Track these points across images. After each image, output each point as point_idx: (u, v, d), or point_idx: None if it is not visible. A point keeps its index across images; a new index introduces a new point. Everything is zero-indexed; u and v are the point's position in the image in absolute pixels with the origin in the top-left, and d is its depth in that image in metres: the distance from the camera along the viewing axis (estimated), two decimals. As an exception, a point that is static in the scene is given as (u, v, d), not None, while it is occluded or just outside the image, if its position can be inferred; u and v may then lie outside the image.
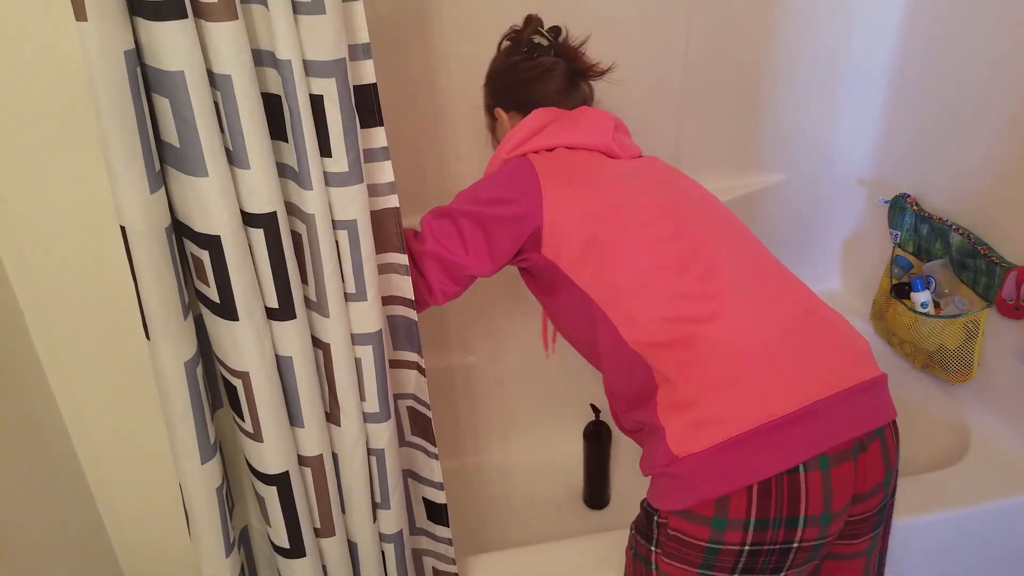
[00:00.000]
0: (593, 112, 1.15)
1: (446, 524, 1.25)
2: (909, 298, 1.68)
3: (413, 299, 1.08)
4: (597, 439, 1.71)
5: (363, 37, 0.91)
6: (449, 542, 1.26)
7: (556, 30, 1.22)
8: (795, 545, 0.93)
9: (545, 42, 1.19)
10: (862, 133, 1.83)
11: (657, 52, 1.66)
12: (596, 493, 1.78)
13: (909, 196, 1.71)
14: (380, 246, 1.02)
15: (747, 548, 0.93)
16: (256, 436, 1.00)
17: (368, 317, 1.02)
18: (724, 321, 0.96)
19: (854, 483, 0.94)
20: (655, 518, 1.00)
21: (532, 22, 1.22)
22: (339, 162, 0.92)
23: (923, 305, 1.64)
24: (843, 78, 1.78)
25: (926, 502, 1.40)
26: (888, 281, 1.76)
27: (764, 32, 1.70)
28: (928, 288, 1.65)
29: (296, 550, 1.09)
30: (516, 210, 1.03)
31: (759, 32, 1.69)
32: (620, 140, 1.16)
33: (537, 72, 1.18)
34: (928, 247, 1.68)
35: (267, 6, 0.82)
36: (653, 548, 1.01)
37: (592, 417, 1.73)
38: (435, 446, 1.20)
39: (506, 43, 1.25)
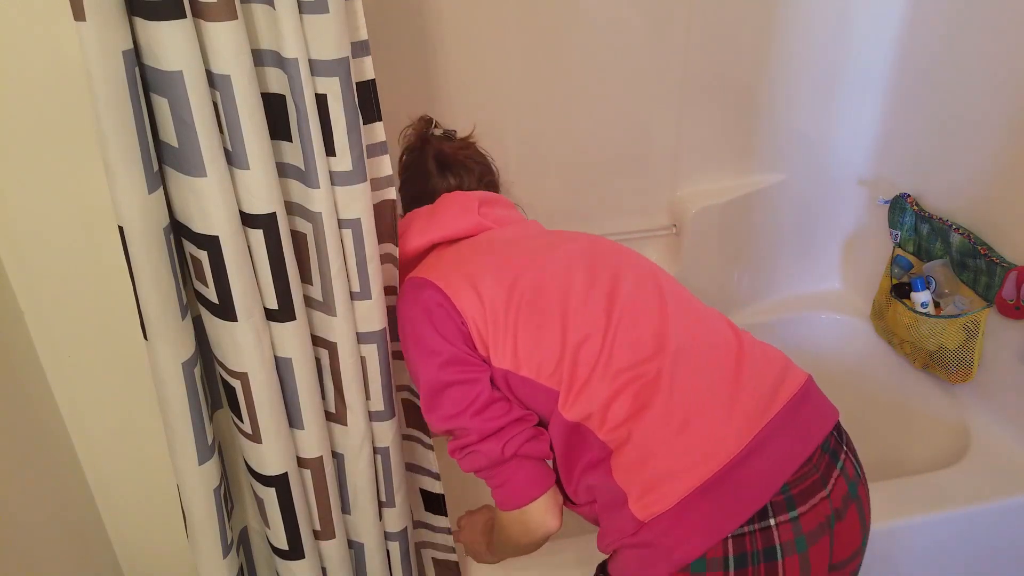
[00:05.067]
0: (451, 197, 1.12)
1: (444, 513, 1.26)
2: (909, 298, 1.68)
3: None
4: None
5: (362, 34, 0.92)
6: (448, 531, 1.27)
7: (423, 122, 1.22)
8: None
9: (414, 138, 1.21)
10: (862, 133, 1.83)
11: (657, 52, 1.66)
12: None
13: (909, 196, 1.71)
14: (378, 237, 1.02)
15: None
16: (255, 437, 1.00)
17: (373, 315, 1.02)
18: (666, 367, 0.92)
19: (829, 557, 0.90)
20: None
21: (416, 123, 1.22)
22: (343, 161, 0.92)
23: (923, 305, 1.64)
24: (843, 78, 1.78)
25: (926, 502, 1.39)
26: (888, 281, 1.76)
27: (764, 32, 1.70)
28: (928, 288, 1.64)
29: (295, 551, 1.09)
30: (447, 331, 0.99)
31: (759, 32, 1.69)
32: (487, 215, 1.11)
33: (406, 169, 1.20)
34: (928, 247, 1.68)
35: (273, 5, 0.82)
36: None
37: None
38: (431, 436, 1.20)
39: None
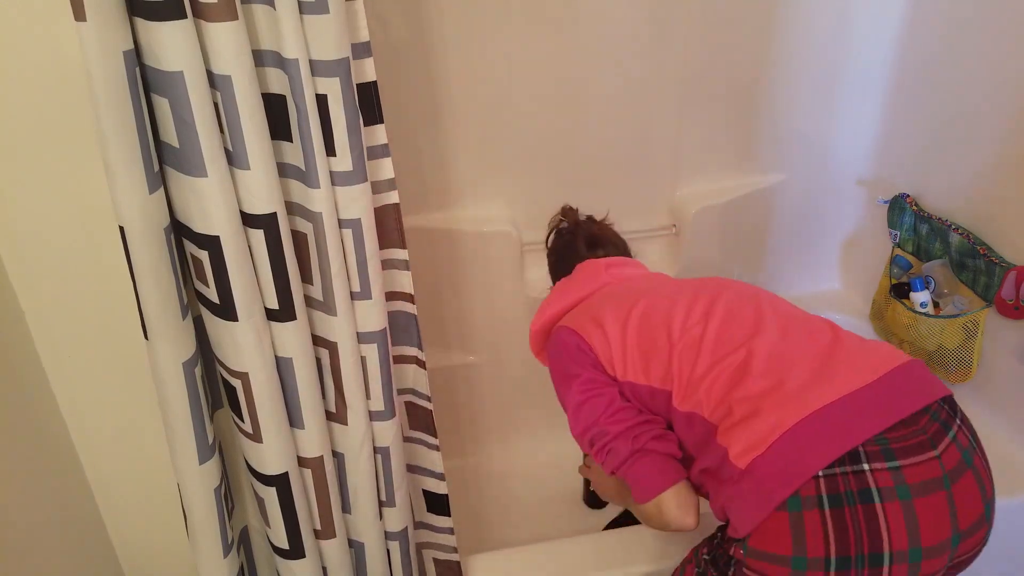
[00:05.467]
0: (583, 265, 1.38)
1: (447, 514, 1.26)
2: (908, 298, 1.68)
3: (412, 294, 1.09)
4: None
5: (363, 36, 0.92)
6: (451, 531, 1.27)
7: (572, 212, 1.50)
8: None
9: (565, 224, 1.49)
10: (862, 133, 1.83)
11: (657, 52, 1.67)
12: (596, 493, 1.78)
13: (909, 196, 1.71)
14: (381, 242, 1.02)
15: None
16: (255, 437, 1.00)
17: (373, 315, 1.02)
18: (755, 347, 1.04)
19: (950, 517, 0.92)
20: (732, 552, 0.98)
21: (564, 213, 1.51)
22: (343, 161, 0.92)
23: (922, 305, 1.64)
24: (843, 78, 1.78)
25: (926, 502, 1.39)
26: (887, 281, 1.76)
27: (764, 32, 1.70)
28: (927, 288, 1.64)
29: (295, 551, 1.09)
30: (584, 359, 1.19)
31: (759, 32, 1.70)
32: (614, 274, 1.33)
33: (557, 248, 1.48)
34: (928, 247, 1.68)
35: (273, 6, 0.82)
36: None
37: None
38: (436, 438, 1.20)
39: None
